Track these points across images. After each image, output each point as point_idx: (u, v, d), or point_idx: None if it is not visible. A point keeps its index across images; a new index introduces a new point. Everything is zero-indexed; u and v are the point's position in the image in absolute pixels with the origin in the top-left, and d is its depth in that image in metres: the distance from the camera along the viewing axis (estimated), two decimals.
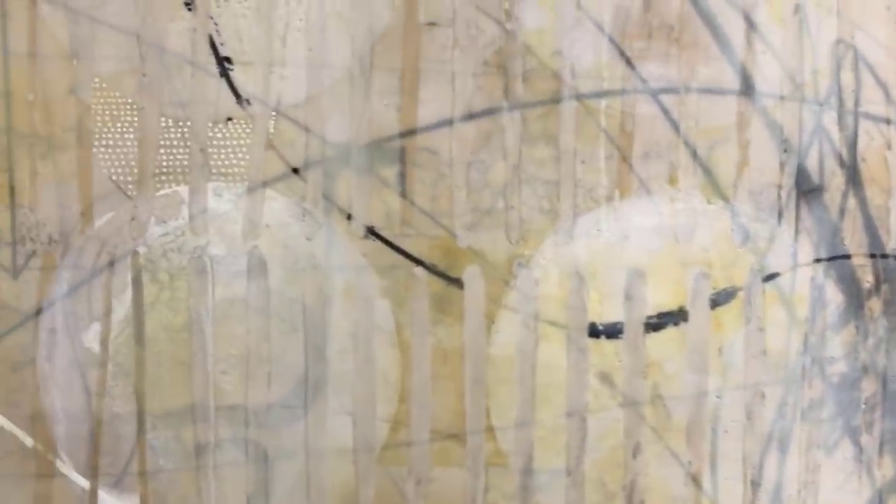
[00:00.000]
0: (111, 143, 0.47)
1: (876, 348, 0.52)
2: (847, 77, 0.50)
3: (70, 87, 0.46)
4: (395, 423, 0.50)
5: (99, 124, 0.47)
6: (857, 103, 0.51)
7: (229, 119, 0.47)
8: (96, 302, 0.48)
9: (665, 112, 0.50)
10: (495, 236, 0.49)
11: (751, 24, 0.50)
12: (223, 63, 0.47)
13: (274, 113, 0.48)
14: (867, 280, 0.52)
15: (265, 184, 0.48)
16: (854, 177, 0.51)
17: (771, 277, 0.51)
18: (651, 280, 0.50)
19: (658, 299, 0.51)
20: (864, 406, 0.53)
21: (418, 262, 0.49)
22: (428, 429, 0.50)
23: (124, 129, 0.47)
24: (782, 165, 0.51)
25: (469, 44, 0.48)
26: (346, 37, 0.47)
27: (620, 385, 0.51)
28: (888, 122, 0.51)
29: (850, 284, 0.52)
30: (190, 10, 0.47)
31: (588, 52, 0.49)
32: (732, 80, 0.50)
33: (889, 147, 0.51)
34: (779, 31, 0.50)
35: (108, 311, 0.48)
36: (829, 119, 0.51)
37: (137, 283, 0.48)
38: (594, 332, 0.51)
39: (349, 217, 0.48)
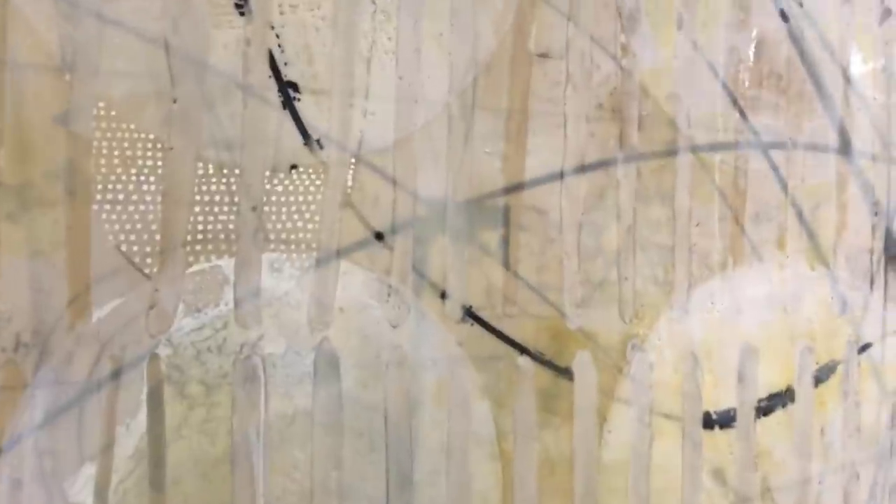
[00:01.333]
0: (121, 197, 0.33)
1: None
2: None
3: (59, 114, 0.32)
4: None
5: (103, 170, 0.33)
6: None
7: (294, 167, 0.35)
8: (90, 434, 0.33)
9: (774, 169, 0.46)
10: (608, 314, 0.42)
11: (847, 80, 0.47)
12: (287, 90, 0.35)
13: (353, 160, 0.36)
14: None
15: (340, 253, 0.36)
16: None
17: (865, 348, 0.49)
18: (762, 357, 0.46)
19: (768, 378, 0.46)
20: None
21: (523, 349, 0.40)
22: None
23: (142, 178, 0.33)
24: (874, 229, 0.49)
25: (583, 81, 0.41)
26: (446, 65, 0.38)
27: (731, 480, 0.45)
28: None
29: None
30: (242, 14, 0.34)
31: (703, 98, 0.44)
32: (833, 137, 0.47)
33: None
34: (870, 87, 0.48)
35: (108, 446, 0.33)
36: None
37: (156, 401, 0.34)
38: (708, 422, 0.44)
39: (443, 295, 0.38)
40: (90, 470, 0.33)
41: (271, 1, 0.35)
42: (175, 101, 0.34)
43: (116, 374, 0.33)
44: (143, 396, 0.34)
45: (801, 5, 0.46)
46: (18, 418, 0.32)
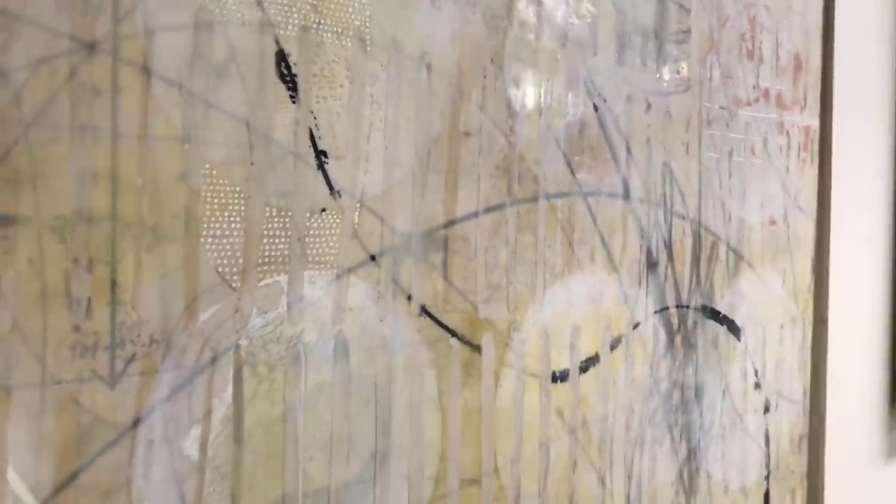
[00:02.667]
0: (218, 232, 0.48)
1: (679, 369, 0.83)
2: (667, 188, 0.80)
3: (180, 173, 0.46)
4: (437, 479, 0.60)
5: (207, 213, 0.47)
6: (671, 205, 0.80)
7: (323, 210, 0.52)
8: (197, 404, 0.47)
9: (589, 209, 0.71)
10: (501, 308, 0.64)
11: (628, 151, 0.75)
12: (320, 156, 0.52)
13: (359, 204, 0.54)
14: (675, 323, 0.82)
15: (350, 271, 0.54)
16: (670, 254, 0.81)
17: (636, 326, 0.77)
18: (583, 334, 0.71)
19: (586, 348, 0.72)
20: (674, 409, 0.82)
21: (454, 334, 0.61)
22: (458, 479, 0.61)
23: (231, 219, 0.48)
24: (641, 248, 0.77)
25: (488, 151, 0.62)
26: (411, 139, 0.57)
27: (566, 417, 0.70)
28: (683, 217, 0.82)
29: (668, 327, 0.81)
30: (294, 102, 0.51)
31: (552, 163, 0.68)
32: (620, 188, 0.75)
33: (683, 233, 0.82)
34: (638, 154, 0.76)
35: (208, 412, 0.48)
36: (660, 215, 0.79)
37: (238, 379, 0.49)
38: (554, 378, 0.69)
39: (409, 298, 0.58)
40: (196, 431, 0.47)
41: (311, 94, 0.52)
42: (252, 164, 0.49)
43: (213, 360, 0.48)
44: (230, 376, 0.48)
45: (604, 101, 0.73)
46: (152, 395, 0.45)
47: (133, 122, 0.44)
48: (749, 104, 0.91)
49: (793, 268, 1.00)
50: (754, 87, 0.92)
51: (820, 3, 1.02)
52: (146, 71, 0.44)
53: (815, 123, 1.03)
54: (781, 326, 0.99)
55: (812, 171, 1.03)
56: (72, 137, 0.42)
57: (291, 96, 0.51)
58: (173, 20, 0.45)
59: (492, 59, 0.63)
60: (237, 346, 0.49)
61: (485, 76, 0.62)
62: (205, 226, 0.47)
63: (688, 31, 0.82)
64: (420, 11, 0.58)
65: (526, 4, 0.65)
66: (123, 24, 0.43)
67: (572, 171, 0.70)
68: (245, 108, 0.49)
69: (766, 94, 0.94)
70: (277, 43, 0.50)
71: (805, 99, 1.01)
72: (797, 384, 1.02)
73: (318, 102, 0.52)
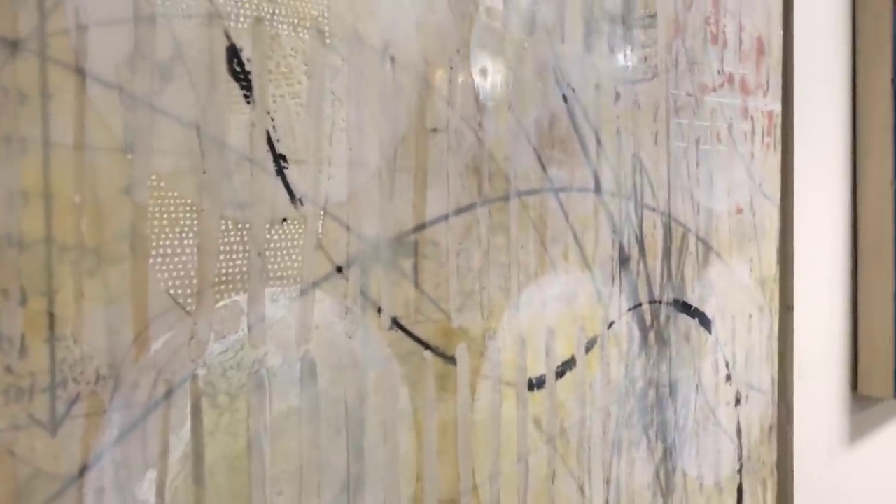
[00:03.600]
0: (169, 251, 0.43)
1: (654, 367, 0.81)
2: (637, 179, 0.78)
3: (124, 187, 0.41)
4: (414, 501, 0.57)
5: (156, 230, 0.43)
6: (642, 197, 0.78)
7: (284, 220, 0.49)
8: (151, 444, 0.43)
9: (561, 205, 0.69)
10: (474, 315, 0.61)
11: (598, 142, 0.73)
12: (279, 161, 0.48)
13: (322, 212, 0.50)
14: (648, 320, 0.80)
15: (315, 285, 0.50)
16: (641, 249, 0.79)
17: (611, 325, 0.75)
18: (557, 337, 0.69)
19: (561, 351, 0.69)
20: (649, 408, 0.81)
21: (427, 346, 0.57)
22: (436, 500, 0.58)
23: (183, 235, 0.44)
24: (613, 243, 0.75)
25: (457, 148, 0.59)
26: (377, 139, 0.54)
27: (544, 426, 0.68)
28: (654, 209, 0.80)
29: (641, 324, 0.79)
30: (249, 103, 0.47)
31: (523, 158, 0.65)
32: (591, 181, 0.72)
33: (654, 226, 0.80)
34: (608, 145, 0.74)
35: (164, 452, 0.43)
36: (631, 209, 0.77)
37: (197, 412, 0.45)
38: (530, 385, 0.66)
39: (379, 311, 0.54)
40: (152, 474, 0.43)
41: (267, 93, 0.47)
42: (204, 173, 0.45)
43: (168, 394, 0.43)
44: (188, 409, 0.44)
45: (573, 91, 0.70)
46: (99, 438, 0.41)
47: (67, 131, 0.39)
48: (714, 90, 0.90)
49: (759, 256, 1.00)
50: (719, 73, 0.90)
51: None
52: (80, 72, 0.40)
53: (777, 108, 1.02)
54: (750, 316, 0.98)
55: (776, 158, 1.02)
56: None
57: (245, 96, 0.46)
58: (109, 13, 0.40)
59: (458, 50, 0.59)
60: (194, 377, 0.44)
61: (451, 67, 0.59)
62: (153, 244, 0.43)
63: (654, 16, 0.80)
64: (382, 1, 0.54)
65: None
66: (51, 18, 0.39)
67: (543, 167, 0.67)
68: (194, 111, 0.44)
69: (731, 78, 0.93)
70: (228, 37, 0.45)
71: (768, 83, 1.00)
72: (766, 374, 1.02)
73: (274, 102, 0.48)
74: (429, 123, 0.57)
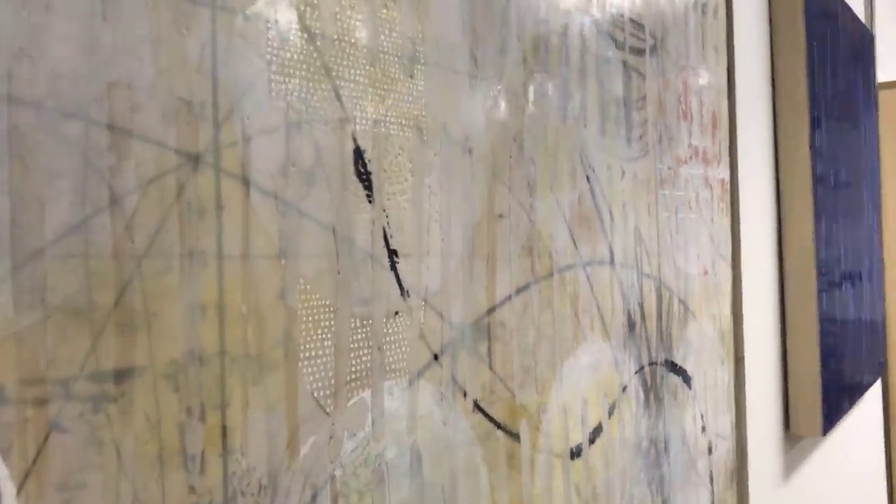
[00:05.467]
0: (313, 353, 0.44)
1: (653, 425, 0.86)
2: (637, 250, 0.84)
3: (279, 292, 0.42)
4: None
5: (303, 333, 0.43)
6: (641, 266, 0.84)
7: (396, 313, 0.50)
8: None
9: (588, 279, 0.73)
10: (531, 390, 0.64)
11: (611, 216, 0.78)
12: (392, 256, 0.50)
13: (423, 302, 0.52)
14: (648, 381, 0.86)
15: (419, 374, 0.52)
16: (642, 314, 0.84)
17: (624, 389, 0.80)
18: (589, 405, 0.73)
19: (591, 419, 0.73)
20: (650, 464, 0.86)
21: (499, 425, 0.60)
22: None
23: (323, 336, 0.45)
24: (624, 311, 0.80)
25: (516, 230, 0.63)
26: (460, 227, 0.56)
27: (583, 493, 0.71)
28: (649, 276, 0.86)
29: (644, 386, 0.85)
30: (370, 202, 0.48)
31: (560, 236, 0.69)
32: (607, 254, 0.77)
33: (651, 292, 0.86)
34: (618, 219, 0.80)
35: None
36: (634, 277, 0.83)
37: None
38: (571, 455, 0.70)
39: (465, 395, 0.56)
40: None
41: (383, 191, 0.49)
42: (339, 273, 0.46)
43: (314, 498, 0.43)
44: None
45: (593, 171, 0.75)
46: None
47: (236, 242, 0.39)
48: (686, 162, 0.98)
49: (720, 312, 1.09)
50: (688, 146, 0.99)
51: (724, 62, 1.12)
52: (245, 182, 0.40)
53: (727, 175, 1.12)
54: (715, 369, 1.06)
55: (727, 220, 1.12)
56: (181, 266, 0.37)
57: (368, 195, 0.48)
58: (267, 122, 0.41)
59: (514, 139, 0.63)
60: (332, 478, 0.45)
61: (510, 156, 0.62)
62: (302, 347, 0.43)
63: (644, 98, 0.87)
64: (461, 95, 0.57)
65: (537, 80, 0.66)
66: (224, 130, 0.39)
67: (575, 244, 0.72)
68: (331, 214, 0.45)
69: (696, 151, 1.01)
70: (354, 139, 0.47)
71: (720, 153, 1.10)
72: (727, 420, 1.10)
73: (388, 199, 0.50)
74: (496, 209, 0.60)
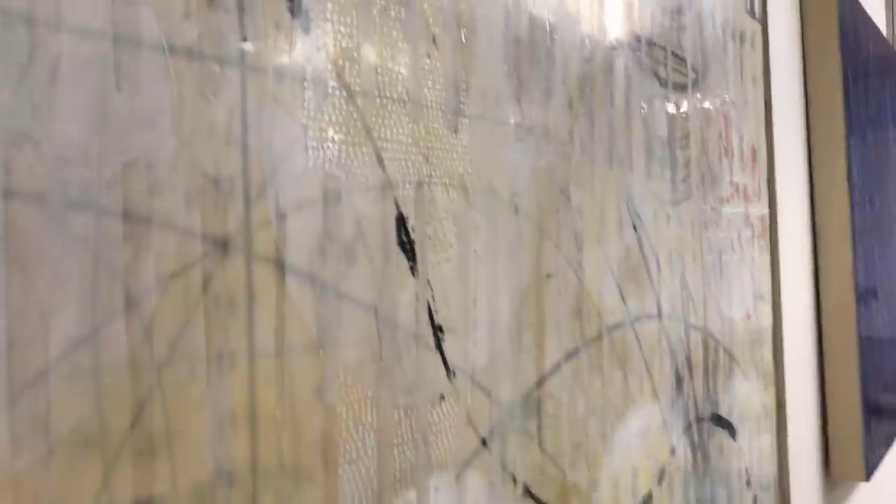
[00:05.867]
0: (354, 455, 0.39)
1: (701, 486, 0.81)
2: (685, 299, 0.78)
3: (316, 388, 0.37)
4: None
5: (343, 433, 0.38)
6: (688, 317, 0.79)
7: (442, 397, 0.45)
8: None
9: (637, 336, 0.68)
10: (582, 467, 0.58)
11: (658, 265, 0.73)
12: (437, 333, 0.44)
13: (470, 382, 0.47)
14: (696, 440, 0.80)
15: (467, 464, 0.46)
16: (689, 368, 0.79)
17: (673, 451, 0.74)
18: (639, 475, 0.67)
19: (640, 487, 0.68)
20: None
21: None
22: None
23: (365, 434, 0.39)
24: (671, 367, 0.75)
25: (564, 291, 0.57)
26: (507, 293, 0.51)
27: None
28: (696, 327, 0.81)
29: (692, 445, 0.79)
30: (414, 274, 0.43)
31: (609, 292, 0.64)
32: (655, 308, 0.72)
33: (697, 344, 0.81)
34: (664, 268, 0.74)
35: None
36: (681, 330, 0.77)
37: None
38: None
39: (514, 480, 0.51)
40: None
41: (427, 260, 0.44)
42: (381, 359, 0.40)
43: None
44: None
45: (640, 219, 0.70)
46: None
47: (269, 337, 0.34)
48: (728, 201, 0.93)
49: (762, 357, 1.03)
50: (730, 184, 0.94)
51: (762, 93, 1.07)
52: (280, 266, 0.35)
53: (766, 212, 1.07)
54: (759, 417, 1.00)
55: (767, 259, 1.06)
56: (208, 371, 0.31)
57: (411, 267, 0.43)
58: (303, 194, 0.36)
59: (561, 190, 0.58)
60: None
61: (557, 209, 0.57)
62: (342, 450, 0.38)
63: (687, 136, 0.81)
64: (507, 147, 0.51)
65: (583, 125, 0.61)
66: (256, 208, 0.34)
67: (623, 299, 0.66)
68: (373, 292, 0.40)
69: (737, 188, 0.96)
70: (397, 205, 0.42)
71: (759, 189, 1.04)
72: (770, 471, 1.04)
73: (433, 269, 0.44)
74: (544, 269, 0.55)
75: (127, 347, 0.29)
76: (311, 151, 0.37)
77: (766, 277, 1.05)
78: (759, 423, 1.00)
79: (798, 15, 1.27)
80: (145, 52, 0.30)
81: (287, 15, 0.36)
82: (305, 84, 0.37)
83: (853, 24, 1.33)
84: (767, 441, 1.03)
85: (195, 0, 0.31)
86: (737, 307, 0.94)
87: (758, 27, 1.06)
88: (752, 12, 1.03)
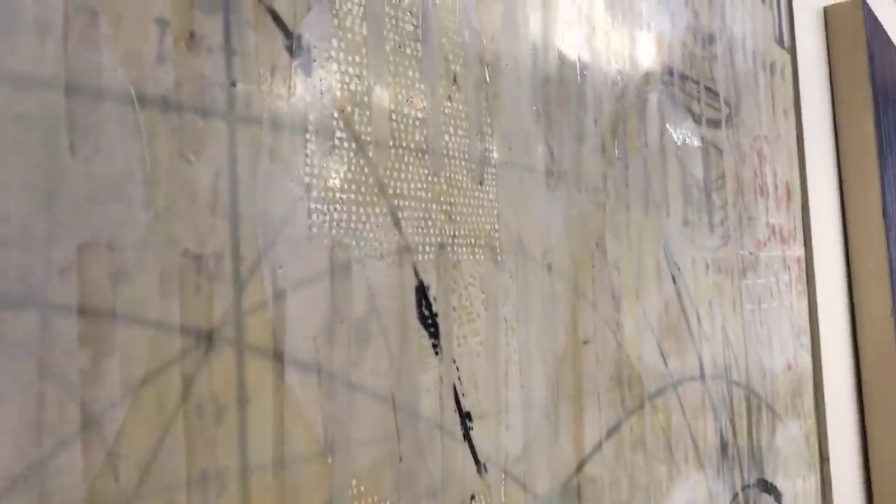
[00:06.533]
0: None
1: None
2: (727, 356, 0.72)
3: (325, 502, 0.30)
4: None
5: None
6: (730, 374, 0.72)
7: (472, 498, 0.38)
8: None
9: (679, 400, 0.61)
10: None
11: (699, 321, 0.66)
12: (465, 421, 0.38)
13: (503, 475, 0.41)
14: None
15: None
16: (734, 431, 0.72)
17: None
18: None
19: None
20: None
21: None
22: None
23: None
24: (716, 431, 0.68)
25: (603, 357, 0.51)
26: (542, 365, 0.45)
27: None
28: (738, 384, 0.74)
29: None
30: (437, 353, 0.37)
31: (650, 356, 0.57)
32: (697, 368, 0.65)
33: (740, 403, 0.74)
34: (705, 321, 0.68)
35: None
36: (724, 388, 0.71)
37: None
38: None
39: None
40: None
41: (452, 336, 0.38)
42: (401, 460, 0.34)
43: None
44: None
45: (679, 269, 0.64)
46: None
47: (266, 447, 0.28)
48: (765, 244, 0.87)
49: (804, 409, 0.96)
50: (766, 225, 0.88)
51: (793, 126, 1.01)
52: (278, 358, 0.29)
53: (803, 252, 1.01)
54: (803, 476, 0.93)
55: (804, 303, 1.00)
56: (190, 499, 0.25)
57: (434, 345, 0.37)
58: (306, 269, 0.30)
59: (596, 243, 0.52)
60: None
61: (593, 265, 0.51)
62: None
63: (723, 176, 0.76)
64: (537, 198, 0.46)
65: (617, 168, 0.55)
66: (248, 289, 0.28)
67: (665, 360, 0.60)
68: (389, 379, 0.34)
69: (773, 229, 0.90)
70: (416, 273, 0.36)
71: (795, 228, 0.98)
72: None
73: (458, 345, 0.38)
74: (581, 334, 0.49)
75: (84, 480, 0.23)
76: (315, 216, 0.31)
77: (805, 323, 0.99)
78: (804, 483, 0.93)
79: (825, 43, 1.23)
80: (108, 106, 0.24)
81: (285, 54, 0.30)
82: (308, 135, 0.31)
83: (880, 50, 1.29)
84: (812, 501, 0.96)
85: (171, 40, 0.26)
86: (777, 358, 0.87)
87: (787, 57, 1.00)
88: (780, 41, 0.98)
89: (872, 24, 1.25)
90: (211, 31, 0.27)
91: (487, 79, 0.42)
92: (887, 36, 1.35)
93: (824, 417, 1.03)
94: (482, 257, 0.41)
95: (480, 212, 0.41)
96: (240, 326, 0.28)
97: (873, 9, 1.36)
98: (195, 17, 0.27)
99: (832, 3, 1.25)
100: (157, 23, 0.25)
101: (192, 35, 0.26)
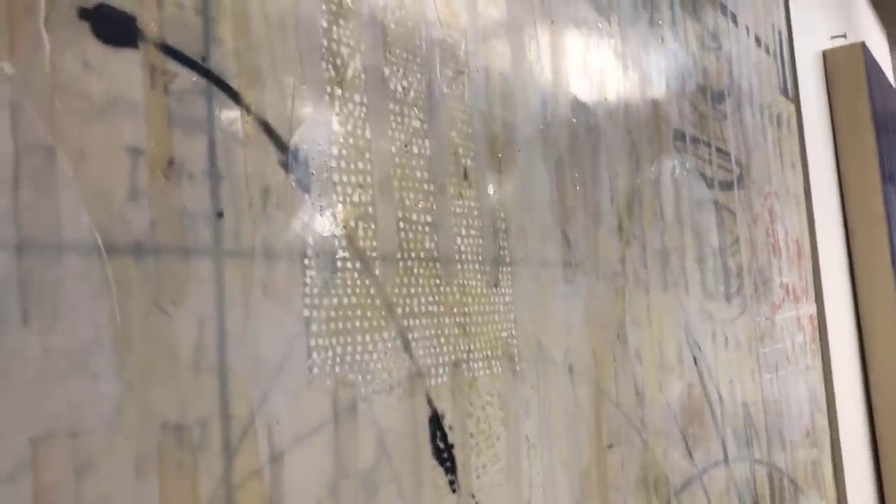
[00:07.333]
0: None
1: None
2: (749, 433, 0.68)
3: None
4: None
5: None
6: (753, 453, 0.68)
7: None
8: None
9: (706, 493, 0.57)
10: None
11: (721, 401, 0.63)
12: None
13: None
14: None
15: None
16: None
17: None
18: None
19: None
20: None
21: None
22: None
23: None
24: None
25: (629, 459, 0.47)
26: (566, 483, 0.41)
27: None
28: (760, 462, 0.70)
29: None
30: (454, 491, 0.33)
31: (674, 447, 0.53)
32: (720, 453, 0.61)
33: (763, 482, 0.70)
34: (727, 401, 0.64)
35: None
36: (747, 469, 0.67)
37: None
38: None
39: None
40: None
41: (470, 468, 0.34)
42: None
43: None
44: None
45: (700, 349, 0.60)
46: None
47: None
48: (779, 307, 0.83)
49: (824, 478, 0.92)
50: (780, 286, 0.84)
51: (801, 180, 0.98)
52: None
53: (815, 310, 0.97)
54: None
55: (819, 363, 0.97)
56: None
57: (451, 482, 0.32)
58: (306, 419, 0.26)
59: (617, 335, 0.48)
60: None
61: (615, 359, 0.47)
62: None
63: (737, 241, 0.73)
64: (556, 293, 0.42)
65: (635, 248, 0.52)
66: (240, 456, 0.24)
67: (689, 452, 0.56)
68: None
69: (787, 289, 0.87)
70: (430, 402, 0.32)
71: (806, 286, 0.95)
72: None
73: (478, 478, 0.34)
74: (605, 439, 0.45)
75: None
76: (315, 354, 0.27)
77: (821, 385, 0.95)
78: None
79: (826, 91, 1.21)
80: (69, 260, 0.20)
81: (280, 171, 0.26)
82: (306, 260, 0.27)
83: (881, 94, 1.27)
84: None
85: (147, 171, 0.22)
86: (796, 428, 0.83)
87: (792, 107, 0.98)
88: (784, 91, 0.96)
89: (872, 67, 1.24)
90: (193, 155, 0.23)
91: (501, 167, 0.39)
92: (887, 80, 1.34)
93: (843, 484, 0.99)
94: (500, 370, 0.37)
95: (496, 318, 0.37)
96: (231, 501, 0.23)
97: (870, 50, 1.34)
98: (174, 139, 0.23)
99: (830, 46, 1.24)
100: (129, 152, 0.22)
101: (170, 162, 0.23)
